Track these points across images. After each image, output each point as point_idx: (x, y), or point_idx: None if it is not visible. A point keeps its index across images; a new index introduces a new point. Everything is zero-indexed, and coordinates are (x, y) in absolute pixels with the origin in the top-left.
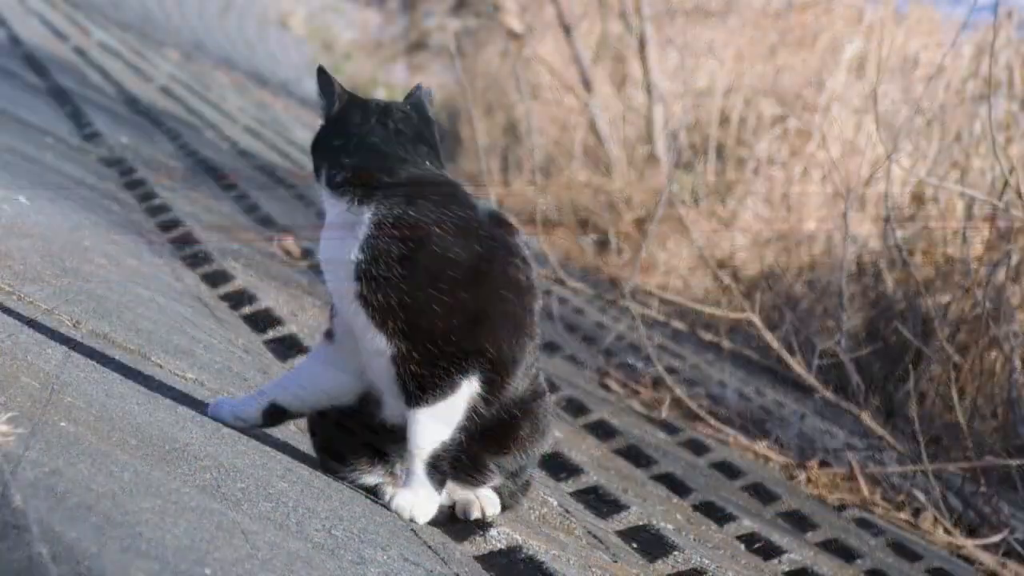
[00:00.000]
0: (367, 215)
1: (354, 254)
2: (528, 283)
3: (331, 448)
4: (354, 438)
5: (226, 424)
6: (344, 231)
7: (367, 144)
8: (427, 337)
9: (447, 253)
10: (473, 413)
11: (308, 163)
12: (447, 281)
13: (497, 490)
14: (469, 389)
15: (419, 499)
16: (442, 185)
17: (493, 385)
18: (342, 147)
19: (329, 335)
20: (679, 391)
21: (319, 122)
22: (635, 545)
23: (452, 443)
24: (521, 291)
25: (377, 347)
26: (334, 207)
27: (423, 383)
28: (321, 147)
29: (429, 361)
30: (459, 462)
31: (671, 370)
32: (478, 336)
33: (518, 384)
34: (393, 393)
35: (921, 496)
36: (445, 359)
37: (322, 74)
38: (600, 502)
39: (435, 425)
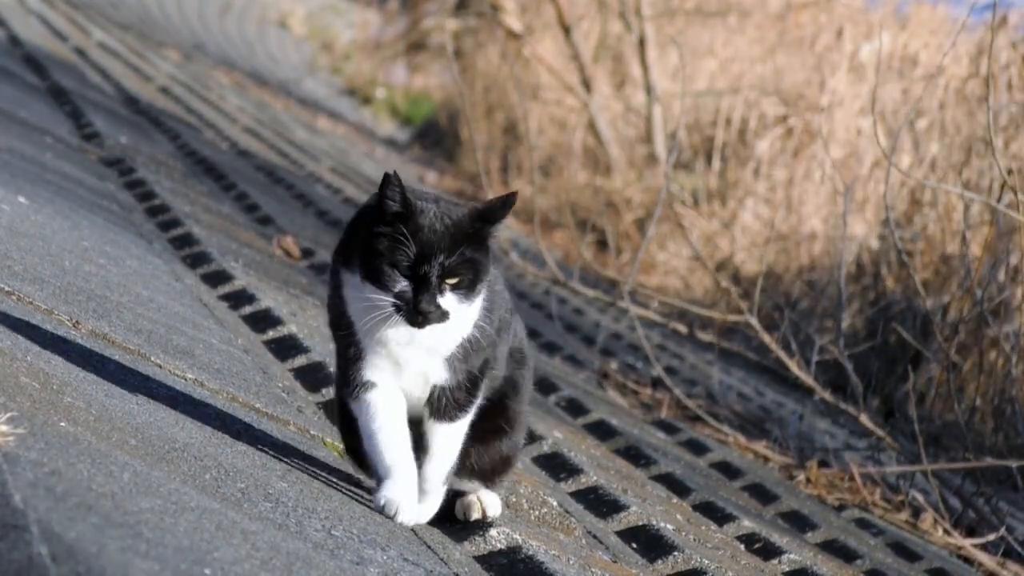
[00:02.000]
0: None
1: (466, 332)
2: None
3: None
4: None
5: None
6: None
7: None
8: (481, 367)
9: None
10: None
11: (307, 163)
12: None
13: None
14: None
15: (427, 502)
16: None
17: (491, 389)
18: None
19: (368, 386)
20: (678, 391)
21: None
22: (635, 545)
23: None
24: (504, 288)
25: (438, 383)
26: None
27: (463, 404)
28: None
29: (474, 387)
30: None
31: (670, 370)
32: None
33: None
34: (418, 403)
35: (920, 496)
36: (480, 380)
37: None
38: (600, 502)
39: (456, 438)
